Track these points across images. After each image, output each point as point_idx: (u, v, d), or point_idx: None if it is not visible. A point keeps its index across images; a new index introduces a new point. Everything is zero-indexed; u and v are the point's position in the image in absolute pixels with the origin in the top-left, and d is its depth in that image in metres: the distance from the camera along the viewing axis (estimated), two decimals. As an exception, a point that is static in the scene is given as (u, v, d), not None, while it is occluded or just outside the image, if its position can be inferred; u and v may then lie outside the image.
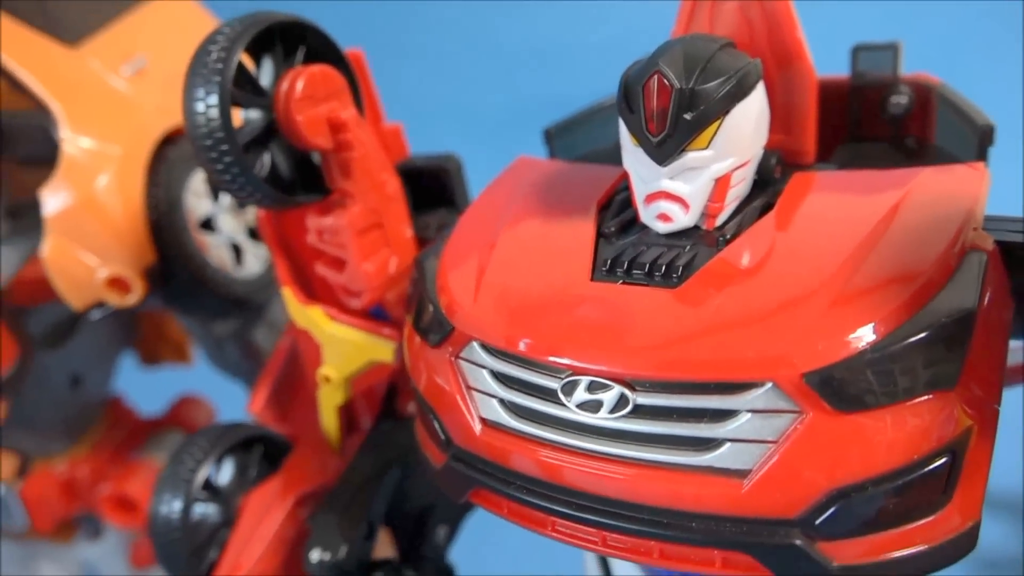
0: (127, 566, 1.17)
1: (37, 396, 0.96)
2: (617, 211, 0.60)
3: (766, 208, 0.57)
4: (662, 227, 0.56)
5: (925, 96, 0.70)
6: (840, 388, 0.45)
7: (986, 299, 0.48)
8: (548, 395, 0.52)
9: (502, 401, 0.54)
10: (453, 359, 0.57)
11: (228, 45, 0.61)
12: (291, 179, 0.67)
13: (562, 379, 0.51)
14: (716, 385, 0.47)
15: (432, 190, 0.78)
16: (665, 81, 0.52)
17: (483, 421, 0.55)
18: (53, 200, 0.79)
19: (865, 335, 0.46)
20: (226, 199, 0.90)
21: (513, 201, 0.65)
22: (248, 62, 0.64)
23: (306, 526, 0.75)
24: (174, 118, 0.87)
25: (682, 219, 0.55)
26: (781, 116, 0.62)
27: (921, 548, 0.48)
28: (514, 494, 0.54)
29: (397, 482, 0.78)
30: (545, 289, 0.55)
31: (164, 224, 0.83)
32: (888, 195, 0.54)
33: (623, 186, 0.62)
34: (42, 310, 0.94)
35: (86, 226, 0.79)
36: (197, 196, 0.87)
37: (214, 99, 0.60)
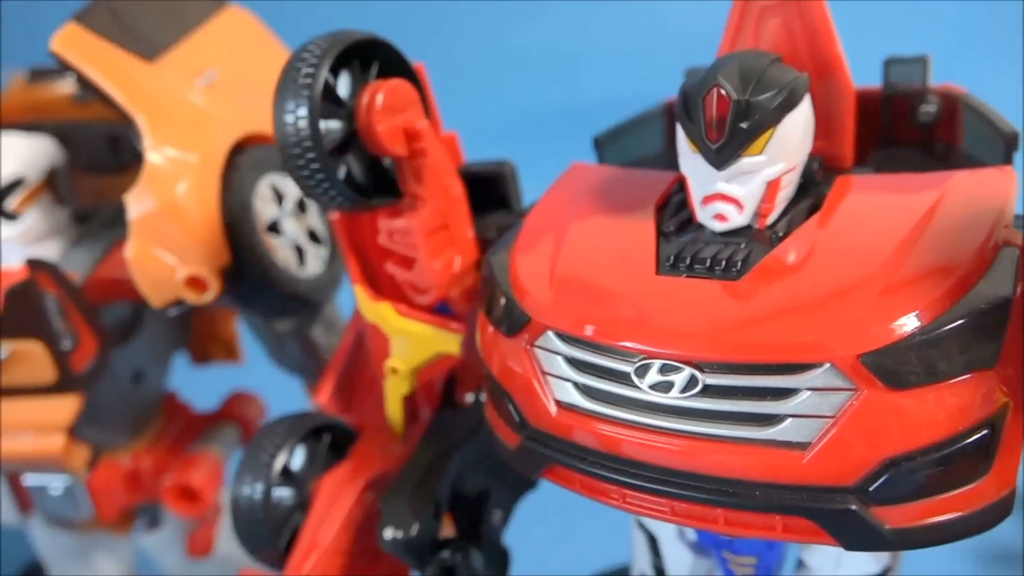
0: (183, 556, 1.22)
1: (107, 390, 1.01)
2: (674, 212, 0.65)
3: (813, 209, 0.62)
4: (718, 226, 0.62)
5: (952, 105, 0.75)
6: (892, 368, 0.51)
7: (1019, 289, 0.54)
8: (621, 378, 0.57)
9: (576, 384, 0.59)
10: (528, 347, 0.62)
11: (316, 62, 0.66)
12: (366, 184, 0.72)
13: (635, 363, 0.56)
14: (779, 366, 0.52)
15: (485, 194, 0.84)
16: (724, 93, 0.57)
17: (558, 403, 0.60)
18: (137, 205, 0.84)
19: (913, 321, 0.51)
20: (289, 204, 0.96)
21: (575, 203, 0.70)
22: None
23: (375, 508, 0.81)
24: (243, 127, 0.93)
25: (737, 219, 0.61)
26: (822, 124, 0.67)
27: (963, 513, 0.53)
28: (588, 469, 0.59)
29: (458, 467, 0.83)
30: (615, 282, 0.60)
31: (237, 227, 0.88)
32: (926, 195, 0.60)
33: (678, 188, 0.68)
34: (108, 309, 1.00)
35: (167, 229, 0.85)
36: (264, 201, 0.93)
37: (304, 111, 0.65)
